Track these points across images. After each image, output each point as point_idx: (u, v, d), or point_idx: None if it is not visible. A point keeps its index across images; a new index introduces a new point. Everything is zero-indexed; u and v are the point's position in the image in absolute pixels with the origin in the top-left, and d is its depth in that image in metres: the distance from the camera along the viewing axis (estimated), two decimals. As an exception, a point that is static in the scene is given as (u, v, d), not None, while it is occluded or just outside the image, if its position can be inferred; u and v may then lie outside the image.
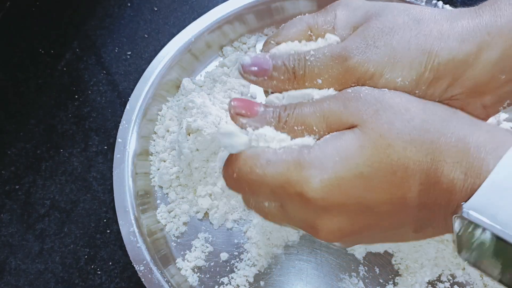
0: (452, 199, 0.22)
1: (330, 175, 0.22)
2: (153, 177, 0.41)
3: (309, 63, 0.25)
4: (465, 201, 0.21)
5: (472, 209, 0.21)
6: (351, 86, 0.25)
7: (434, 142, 0.22)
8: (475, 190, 0.21)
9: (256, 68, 0.26)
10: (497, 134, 0.23)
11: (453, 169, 0.22)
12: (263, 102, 0.27)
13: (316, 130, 0.24)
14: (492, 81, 0.24)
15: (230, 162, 0.25)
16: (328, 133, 0.24)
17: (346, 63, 0.25)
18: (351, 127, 0.23)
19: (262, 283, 0.36)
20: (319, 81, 0.25)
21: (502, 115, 0.40)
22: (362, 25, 0.26)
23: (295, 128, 0.24)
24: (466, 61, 0.24)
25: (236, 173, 0.25)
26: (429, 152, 0.22)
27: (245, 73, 0.26)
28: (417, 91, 0.25)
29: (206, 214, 0.39)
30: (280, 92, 0.27)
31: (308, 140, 0.24)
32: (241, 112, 0.25)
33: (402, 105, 0.23)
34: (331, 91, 0.26)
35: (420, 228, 0.25)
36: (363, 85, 0.25)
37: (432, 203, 0.23)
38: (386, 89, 0.24)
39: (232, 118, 0.26)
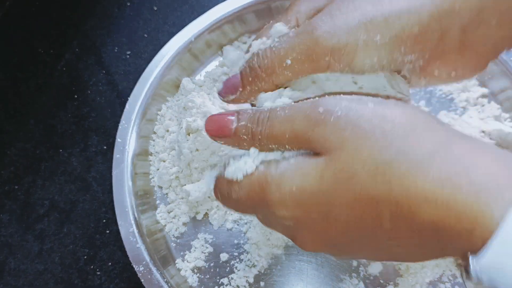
0: (440, 238, 0.20)
1: (288, 204, 0.23)
2: (153, 177, 0.41)
3: (274, 48, 0.24)
4: (467, 249, 0.19)
5: (481, 270, 0.18)
6: (326, 66, 0.23)
7: (411, 176, 0.19)
8: (475, 236, 0.18)
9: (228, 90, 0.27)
10: (502, 166, 0.19)
11: (436, 210, 0.19)
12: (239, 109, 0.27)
13: (288, 148, 0.23)
14: (482, 26, 0.23)
15: (215, 187, 0.27)
16: (299, 149, 0.23)
17: (314, 34, 0.23)
18: (318, 153, 0.22)
19: (262, 283, 0.36)
20: (288, 61, 0.24)
21: (503, 115, 0.40)
22: (326, 6, 0.24)
23: (269, 146, 0.24)
24: (452, 9, 0.22)
25: (220, 198, 0.26)
26: (402, 187, 0.20)
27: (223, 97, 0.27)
28: (402, 49, 0.23)
29: (206, 214, 0.39)
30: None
31: (276, 155, 0.24)
32: (216, 135, 0.25)
33: (380, 128, 0.21)
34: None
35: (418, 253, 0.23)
36: (339, 59, 0.23)
37: (409, 236, 0.21)
38: (370, 101, 0.22)
39: (210, 137, 0.26)
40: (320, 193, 0.22)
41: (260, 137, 0.24)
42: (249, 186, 0.24)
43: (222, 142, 0.26)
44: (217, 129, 0.25)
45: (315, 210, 0.22)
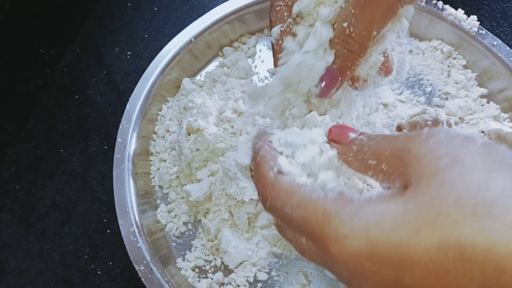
0: None
1: (359, 240, 0.19)
2: (153, 177, 0.41)
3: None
4: None
5: None
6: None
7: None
8: None
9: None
10: None
11: None
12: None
13: (384, 168, 0.21)
14: None
15: (265, 187, 0.23)
16: (390, 176, 0.21)
17: None
18: (407, 184, 0.19)
19: (262, 283, 0.36)
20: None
21: (502, 115, 0.40)
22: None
23: (369, 161, 0.22)
24: None
25: (269, 203, 0.23)
26: (503, 239, 0.16)
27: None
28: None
29: (206, 214, 0.39)
30: None
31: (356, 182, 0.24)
32: (334, 138, 0.25)
33: (484, 165, 0.18)
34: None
35: None
36: None
37: None
38: (478, 138, 0.20)
39: (329, 142, 0.25)
40: (401, 230, 0.18)
41: (365, 149, 0.23)
42: (313, 210, 0.20)
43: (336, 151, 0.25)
44: (339, 134, 0.25)
45: (390, 252, 0.18)
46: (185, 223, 0.39)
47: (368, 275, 0.19)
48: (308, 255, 0.23)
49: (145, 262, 0.35)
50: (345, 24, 0.25)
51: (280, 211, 0.22)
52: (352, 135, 0.24)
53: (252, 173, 0.26)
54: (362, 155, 0.23)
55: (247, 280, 0.36)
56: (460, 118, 0.40)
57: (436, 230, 0.17)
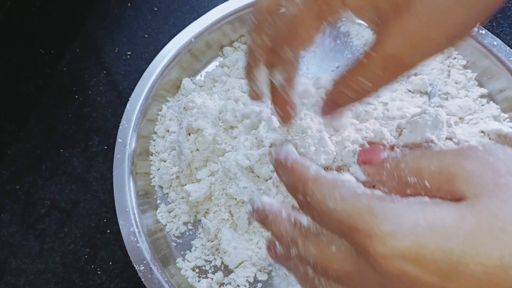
0: None
1: (405, 240, 0.17)
2: (153, 177, 0.41)
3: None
4: None
5: None
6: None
7: None
8: None
9: None
10: None
11: None
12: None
13: (428, 185, 0.20)
14: None
15: (305, 183, 0.22)
16: (436, 192, 0.20)
17: None
18: (460, 198, 0.19)
19: (262, 283, 0.36)
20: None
21: (502, 115, 0.40)
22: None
23: (408, 179, 0.21)
24: None
25: (309, 197, 0.22)
26: None
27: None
28: None
29: (206, 214, 0.39)
30: None
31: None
32: (364, 160, 0.24)
33: None
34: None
35: None
36: None
37: None
38: None
39: (359, 164, 0.24)
40: (455, 237, 0.17)
41: (403, 166, 0.21)
42: (356, 204, 0.20)
43: (366, 175, 0.24)
44: (369, 154, 0.24)
45: (439, 258, 0.17)
46: (185, 223, 0.39)
47: (409, 281, 0.18)
48: (336, 265, 0.21)
49: (145, 262, 0.35)
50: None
51: (320, 205, 0.21)
52: (384, 154, 0.23)
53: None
54: (399, 173, 0.21)
55: (247, 280, 0.36)
56: (460, 118, 0.40)
57: (497, 246, 0.17)
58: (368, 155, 0.24)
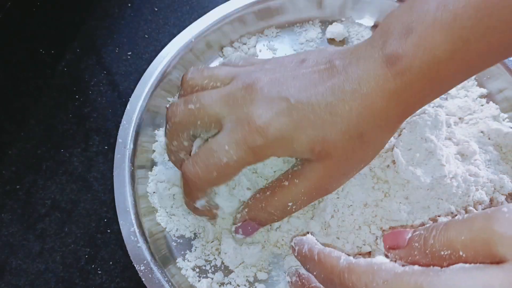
0: None
1: None
2: (154, 177, 0.41)
3: None
4: None
5: None
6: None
7: None
8: None
9: None
10: None
11: None
12: None
13: (462, 254, 0.20)
14: None
15: (340, 275, 0.22)
16: (473, 260, 0.20)
17: None
18: (500, 261, 0.19)
19: (262, 283, 0.36)
20: None
21: (502, 115, 0.40)
22: None
23: (441, 252, 0.21)
24: None
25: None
26: None
27: None
28: None
29: (206, 214, 0.39)
30: None
31: None
32: (391, 246, 0.24)
33: None
34: None
35: None
36: None
37: None
38: None
39: (387, 251, 0.24)
40: None
41: (432, 241, 0.21)
42: (401, 282, 0.20)
43: (394, 257, 0.23)
44: (394, 239, 0.23)
45: None
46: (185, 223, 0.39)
47: None
48: None
49: (145, 262, 0.35)
50: None
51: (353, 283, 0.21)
52: (408, 234, 0.23)
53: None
54: (430, 249, 0.21)
55: (247, 280, 0.36)
56: (459, 118, 0.41)
57: None
58: (394, 239, 0.23)
